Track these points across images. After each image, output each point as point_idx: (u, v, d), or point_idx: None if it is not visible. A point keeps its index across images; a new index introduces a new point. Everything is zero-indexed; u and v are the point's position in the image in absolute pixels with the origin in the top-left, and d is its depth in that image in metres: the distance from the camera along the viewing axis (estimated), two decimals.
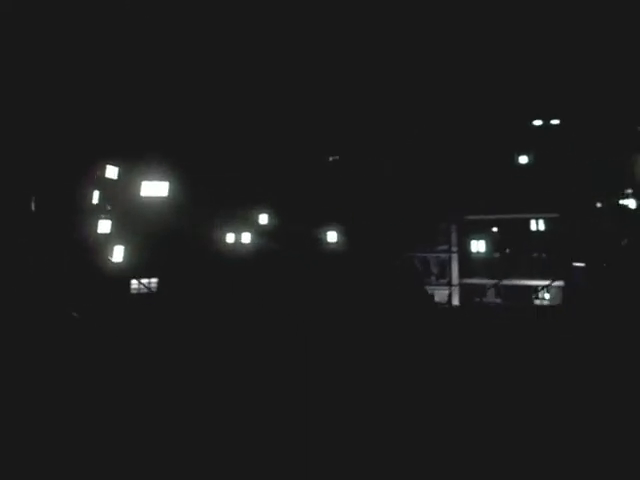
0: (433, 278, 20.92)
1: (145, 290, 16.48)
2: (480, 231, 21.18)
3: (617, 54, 18.07)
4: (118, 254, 15.41)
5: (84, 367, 6.08)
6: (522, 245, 20.82)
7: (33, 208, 13.10)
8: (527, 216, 20.76)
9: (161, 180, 17.58)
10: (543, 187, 20.56)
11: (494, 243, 21.12)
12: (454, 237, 20.91)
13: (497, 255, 21.08)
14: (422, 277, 20.79)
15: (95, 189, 15.92)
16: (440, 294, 20.43)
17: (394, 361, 6.44)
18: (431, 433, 4.24)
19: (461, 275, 20.86)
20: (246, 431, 4.31)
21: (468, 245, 21.15)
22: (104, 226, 15.61)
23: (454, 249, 20.89)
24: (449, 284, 20.65)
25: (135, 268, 15.97)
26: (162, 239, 17.16)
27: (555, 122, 20.79)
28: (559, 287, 19.90)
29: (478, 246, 21.04)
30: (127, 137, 17.22)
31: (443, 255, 20.88)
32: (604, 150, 19.68)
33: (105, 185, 16.25)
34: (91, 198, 15.74)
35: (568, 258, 19.37)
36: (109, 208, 16.10)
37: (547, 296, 20.57)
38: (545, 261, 20.51)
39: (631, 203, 18.84)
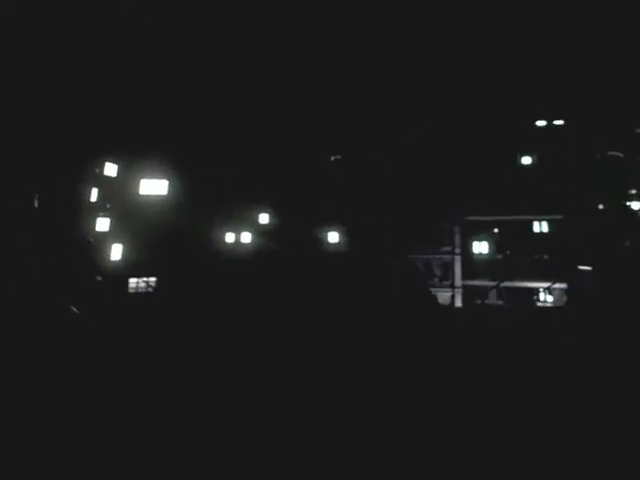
0: (436, 280, 20.73)
1: (144, 289, 16.24)
2: (483, 232, 21.02)
3: (621, 53, 17.99)
4: (116, 253, 15.18)
5: (82, 365, 5.93)
6: (524, 247, 20.68)
7: (36, 205, 12.92)
8: (530, 218, 20.61)
9: (160, 178, 17.36)
10: (546, 188, 20.43)
11: (497, 244, 20.98)
12: (457, 238, 20.73)
13: (499, 257, 20.92)
14: (423, 277, 20.61)
15: (94, 187, 15.69)
16: (442, 296, 20.24)
17: (394, 361, 6.31)
18: (433, 433, 4.20)
19: (463, 277, 20.69)
20: (246, 431, 4.22)
21: (470, 247, 20.99)
22: (103, 224, 15.39)
23: (457, 251, 20.71)
24: (452, 286, 20.47)
25: (133, 267, 15.73)
26: (161, 238, 16.93)
27: (559, 123, 20.67)
28: (562, 289, 19.75)
29: (480, 247, 20.89)
30: (126, 134, 17.00)
31: (446, 257, 20.70)
32: (608, 151, 19.57)
33: (104, 183, 16.02)
34: (89, 196, 15.51)
35: (571, 260, 19.22)
36: (108, 206, 15.87)
37: (550, 298, 20.41)
38: (547, 263, 20.36)
39: (634, 205, 18.73)
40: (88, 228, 14.83)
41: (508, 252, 20.93)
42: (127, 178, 16.74)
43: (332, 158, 22.00)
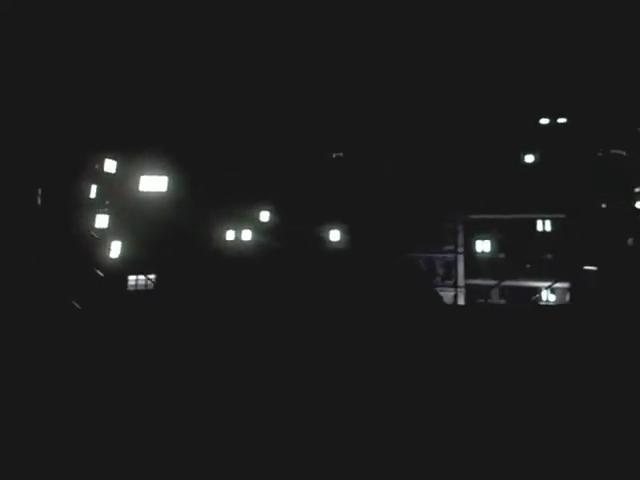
0: (438, 279, 20.59)
1: (143, 286, 16.04)
2: (485, 231, 20.91)
3: (625, 51, 17.94)
4: (116, 249, 14.98)
5: (82, 363, 5.81)
6: (527, 246, 20.58)
7: (39, 202, 12.79)
8: (533, 216, 20.51)
9: (160, 175, 17.18)
10: (549, 187, 20.34)
11: (499, 243, 20.86)
12: (460, 237, 20.60)
13: (502, 256, 20.81)
14: (425, 277, 20.48)
15: (93, 183, 15.50)
16: (445, 295, 20.10)
17: (395, 361, 6.20)
18: (435, 432, 4.14)
19: (466, 276, 20.57)
20: (246, 430, 4.15)
21: (473, 245, 20.87)
22: (102, 221, 15.20)
23: (460, 249, 20.57)
24: (455, 285, 20.32)
25: (133, 264, 15.53)
26: (161, 235, 16.73)
27: (562, 121, 20.59)
28: (564, 288, 19.66)
29: (483, 246, 20.77)
30: (126, 130, 16.83)
31: (449, 256, 20.56)
32: (611, 149, 19.51)
33: (103, 179, 15.83)
34: (89, 192, 15.32)
35: (574, 259, 19.14)
36: (107, 203, 15.67)
37: (552, 297, 20.31)
38: (550, 262, 20.26)
39: (638, 203, 18.66)
40: (87, 225, 14.63)
41: (507, 254, 20.85)
42: (126, 175, 16.55)
43: (334, 155, 21.86)
